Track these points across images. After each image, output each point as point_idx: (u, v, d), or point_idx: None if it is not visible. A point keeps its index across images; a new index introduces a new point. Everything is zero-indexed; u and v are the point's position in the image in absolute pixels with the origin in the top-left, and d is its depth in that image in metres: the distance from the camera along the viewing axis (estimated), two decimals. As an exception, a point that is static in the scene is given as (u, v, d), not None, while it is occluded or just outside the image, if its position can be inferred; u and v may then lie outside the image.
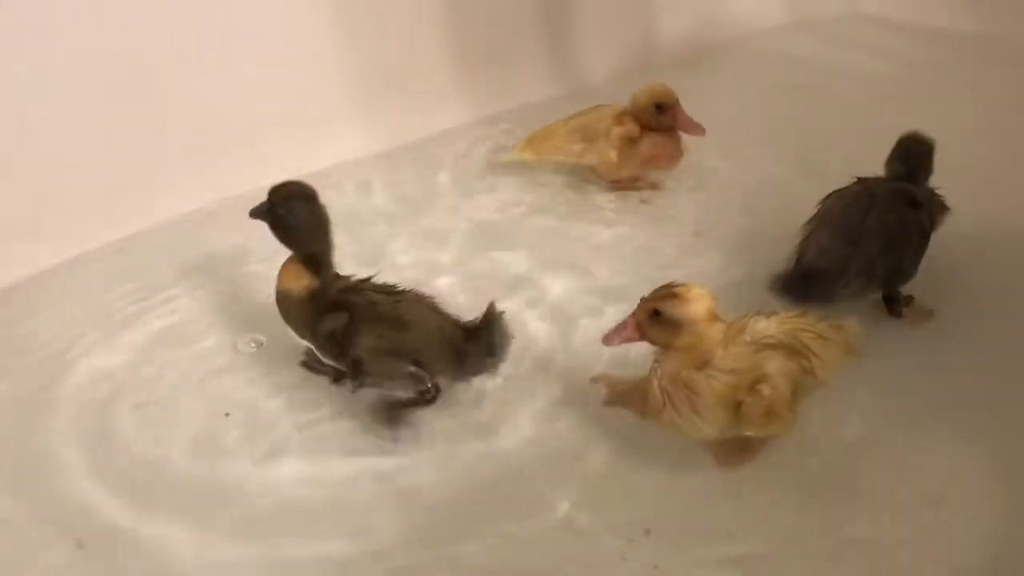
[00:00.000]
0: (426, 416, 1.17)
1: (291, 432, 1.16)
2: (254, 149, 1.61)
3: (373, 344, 1.11)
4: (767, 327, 1.07)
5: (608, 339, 1.04)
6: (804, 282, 1.22)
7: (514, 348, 1.17)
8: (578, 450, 1.14)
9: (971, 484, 1.08)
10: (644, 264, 1.45)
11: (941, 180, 1.35)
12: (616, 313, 1.28)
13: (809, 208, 1.31)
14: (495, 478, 1.10)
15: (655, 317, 1.00)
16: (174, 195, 1.56)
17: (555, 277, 1.43)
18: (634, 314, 1.02)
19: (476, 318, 1.16)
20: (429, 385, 1.15)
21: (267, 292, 1.20)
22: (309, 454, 1.13)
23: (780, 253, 1.30)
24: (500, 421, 1.18)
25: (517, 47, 1.93)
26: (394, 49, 1.76)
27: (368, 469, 1.11)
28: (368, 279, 1.18)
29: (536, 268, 1.45)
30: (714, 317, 1.00)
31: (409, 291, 1.18)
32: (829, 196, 1.31)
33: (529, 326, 1.32)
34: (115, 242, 1.51)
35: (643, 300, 1.02)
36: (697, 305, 0.99)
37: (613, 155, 1.58)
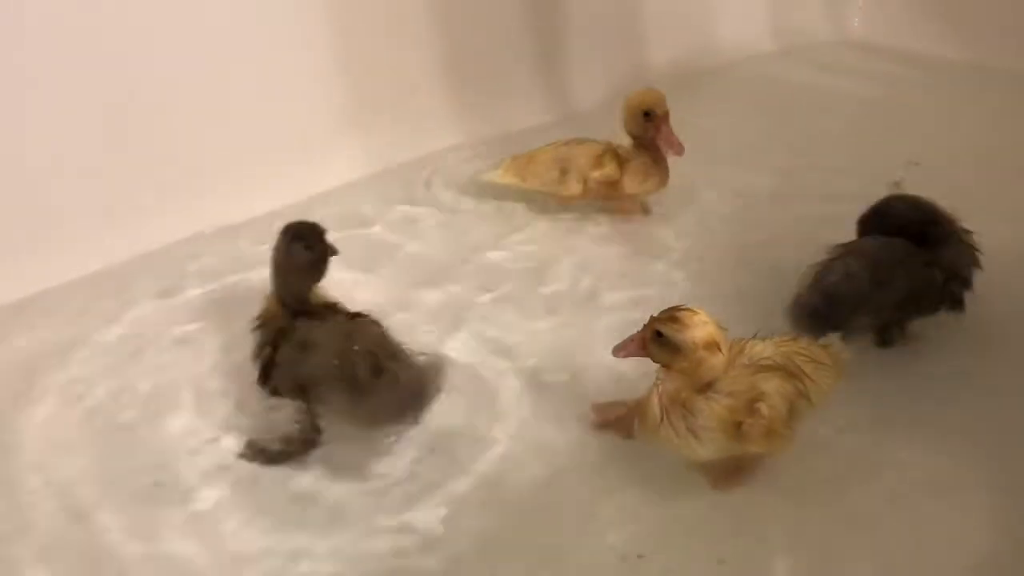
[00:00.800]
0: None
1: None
2: (246, 175, 1.62)
3: (282, 359, 1.13)
4: (764, 350, 1.08)
5: (617, 351, 1.06)
6: (819, 306, 1.21)
7: (508, 366, 1.15)
8: (571, 475, 1.13)
9: (965, 500, 1.09)
10: (633, 287, 1.45)
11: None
12: (600, 337, 1.29)
13: (799, 232, 1.31)
14: (489, 512, 1.10)
15: (657, 338, 1.01)
16: (167, 222, 1.55)
17: (548, 297, 1.43)
18: (641, 331, 1.04)
19: (414, 364, 1.13)
20: (311, 427, 1.15)
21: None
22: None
23: (769, 276, 1.30)
24: (484, 447, 1.17)
25: (509, 73, 1.95)
26: (387, 75, 1.77)
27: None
28: (337, 306, 1.17)
29: (527, 289, 1.45)
30: (715, 345, 1.01)
31: (350, 315, 1.16)
32: (864, 237, 1.30)
33: (522, 346, 1.33)
34: (104, 269, 1.50)
35: (652, 319, 1.03)
36: (697, 331, 1.00)
37: (579, 189, 1.59)
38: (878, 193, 1.34)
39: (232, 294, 1.43)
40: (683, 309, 1.02)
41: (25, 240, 1.45)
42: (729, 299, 1.39)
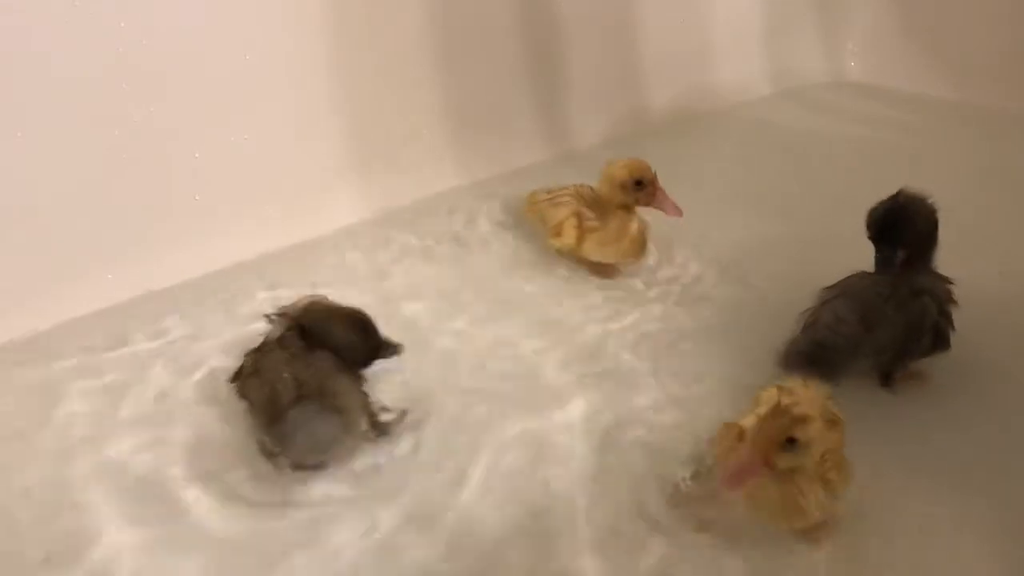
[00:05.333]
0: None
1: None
2: (249, 217, 1.62)
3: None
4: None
5: (732, 484, 0.97)
6: (813, 352, 1.20)
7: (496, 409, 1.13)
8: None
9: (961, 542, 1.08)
10: (631, 332, 1.44)
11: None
12: (607, 385, 1.28)
13: (798, 274, 1.31)
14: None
15: (789, 445, 0.94)
16: (167, 264, 1.55)
17: (554, 342, 1.42)
18: (754, 450, 0.95)
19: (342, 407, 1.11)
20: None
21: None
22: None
23: (770, 320, 1.29)
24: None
25: (509, 114, 1.97)
26: (387, 118, 1.79)
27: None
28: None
29: (536, 333, 1.44)
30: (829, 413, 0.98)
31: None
32: (852, 275, 1.29)
33: (517, 390, 1.31)
34: (100, 311, 1.48)
35: (760, 433, 0.95)
36: (818, 419, 0.95)
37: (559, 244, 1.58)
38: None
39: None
40: (791, 404, 0.94)
41: (23, 282, 1.43)
42: (727, 344, 1.38)
